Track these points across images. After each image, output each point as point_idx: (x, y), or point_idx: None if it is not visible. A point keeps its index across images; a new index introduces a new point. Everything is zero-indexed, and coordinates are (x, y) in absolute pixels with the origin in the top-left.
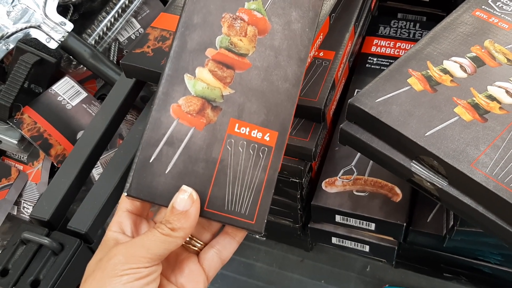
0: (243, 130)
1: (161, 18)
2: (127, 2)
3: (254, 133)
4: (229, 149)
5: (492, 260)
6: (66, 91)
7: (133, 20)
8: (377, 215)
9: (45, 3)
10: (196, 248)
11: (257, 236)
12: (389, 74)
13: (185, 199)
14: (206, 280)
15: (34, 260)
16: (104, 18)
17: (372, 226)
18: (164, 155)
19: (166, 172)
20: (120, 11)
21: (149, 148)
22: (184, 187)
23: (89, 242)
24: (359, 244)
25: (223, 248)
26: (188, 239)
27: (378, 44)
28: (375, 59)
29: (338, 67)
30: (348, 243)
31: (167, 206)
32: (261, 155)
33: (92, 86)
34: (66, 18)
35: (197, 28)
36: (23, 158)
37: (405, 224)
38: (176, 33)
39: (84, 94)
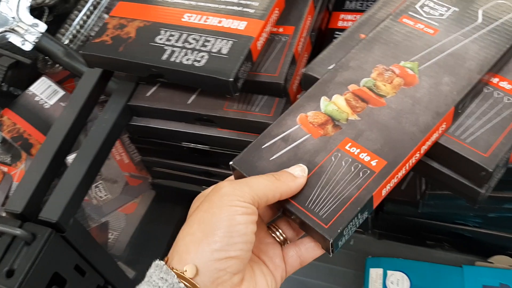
0: (353, 149)
1: (119, 6)
2: None
3: (362, 155)
4: (333, 160)
5: (470, 223)
6: (44, 91)
7: (105, 16)
8: None
9: (17, 7)
10: (279, 240)
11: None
12: (341, 41)
13: (298, 168)
14: (284, 270)
15: (8, 251)
16: (76, 16)
17: None
18: (275, 146)
19: (270, 159)
20: (92, 8)
21: (267, 137)
22: (301, 164)
23: (62, 231)
24: None
25: (306, 251)
26: (274, 228)
27: (344, 18)
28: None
29: (297, 41)
30: None
31: None
32: (361, 175)
33: (71, 85)
34: (41, 21)
35: (349, 69)
36: (6, 160)
37: None
38: (331, 69)
39: (61, 93)
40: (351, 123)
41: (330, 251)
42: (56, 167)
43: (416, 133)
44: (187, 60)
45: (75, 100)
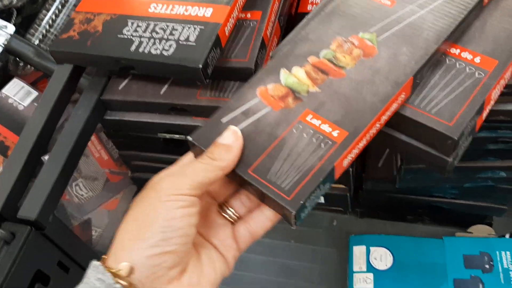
0: (314, 121)
1: (85, 1)
2: None
3: (323, 127)
4: (294, 132)
5: (448, 195)
6: (17, 93)
7: None
8: None
9: None
10: (231, 219)
11: (293, 227)
12: None
13: (229, 134)
14: (237, 249)
15: None
16: (45, 16)
17: None
18: (235, 120)
19: None
20: (60, 7)
21: (226, 111)
22: (231, 126)
23: (41, 228)
24: None
25: (255, 224)
26: (225, 207)
27: (314, 2)
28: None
29: (266, 26)
30: None
31: None
32: (322, 146)
33: (45, 85)
34: (10, 22)
35: (309, 41)
36: None
37: (351, 169)
38: (291, 41)
39: (35, 93)
40: (311, 95)
41: (293, 222)
42: (32, 166)
43: (376, 103)
44: (156, 50)
45: (46, 99)
